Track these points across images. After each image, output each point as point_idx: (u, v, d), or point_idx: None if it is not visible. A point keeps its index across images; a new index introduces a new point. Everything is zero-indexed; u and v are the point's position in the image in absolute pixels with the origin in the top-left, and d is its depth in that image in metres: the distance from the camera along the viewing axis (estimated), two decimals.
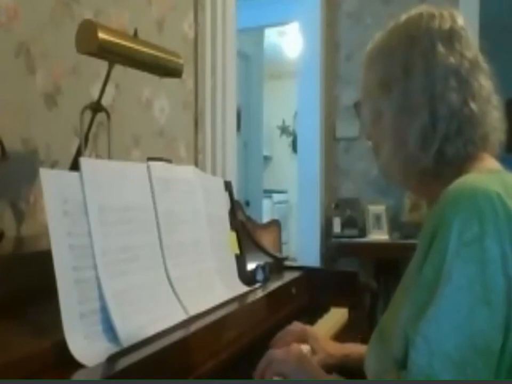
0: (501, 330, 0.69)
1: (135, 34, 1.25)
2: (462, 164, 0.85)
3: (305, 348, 1.10)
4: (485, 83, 0.86)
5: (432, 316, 0.71)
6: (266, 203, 5.95)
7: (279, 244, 2.04)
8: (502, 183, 0.76)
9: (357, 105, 1.01)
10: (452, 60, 0.84)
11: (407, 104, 0.85)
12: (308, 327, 1.18)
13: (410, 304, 0.77)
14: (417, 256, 0.79)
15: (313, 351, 1.11)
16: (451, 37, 0.86)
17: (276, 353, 0.98)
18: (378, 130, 0.92)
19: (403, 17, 0.91)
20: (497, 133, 0.87)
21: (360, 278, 1.64)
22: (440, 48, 0.84)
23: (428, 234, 0.76)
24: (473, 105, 0.83)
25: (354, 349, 1.13)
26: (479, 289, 0.69)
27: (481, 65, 0.87)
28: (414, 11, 0.90)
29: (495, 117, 0.87)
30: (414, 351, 0.72)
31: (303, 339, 1.12)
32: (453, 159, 0.84)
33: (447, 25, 0.86)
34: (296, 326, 1.17)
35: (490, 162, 0.86)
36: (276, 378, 0.95)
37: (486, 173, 0.81)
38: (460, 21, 0.88)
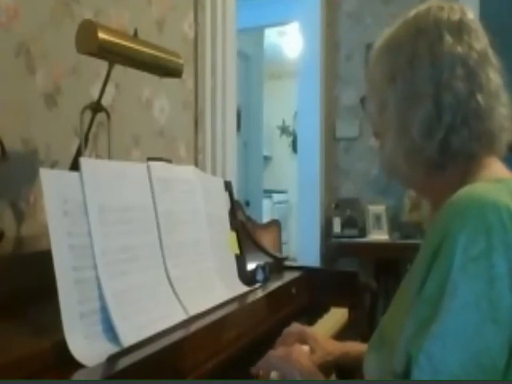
0: (506, 349, 0.67)
1: (135, 34, 1.25)
2: (467, 163, 0.83)
3: (305, 348, 1.11)
4: (494, 77, 0.84)
5: (437, 333, 0.69)
6: (266, 203, 5.94)
7: (279, 244, 2.04)
8: (510, 193, 0.74)
9: (363, 101, 1.00)
10: (459, 49, 0.82)
11: (411, 93, 0.84)
12: (306, 327, 1.18)
13: (412, 319, 0.75)
14: (420, 266, 0.77)
15: (312, 350, 1.11)
16: (460, 28, 0.84)
17: (275, 351, 0.99)
18: (382, 122, 0.91)
19: (412, 12, 0.90)
20: (505, 133, 0.85)
21: (360, 278, 1.64)
22: (448, 38, 0.83)
23: (432, 246, 0.73)
24: (480, 98, 0.81)
25: (353, 347, 1.13)
26: (486, 306, 0.67)
27: (490, 59, 0.85)
28: (423, 6, 0.89)
29: (502, 114, 0.84)
30: (417, 369, 0.70)
31: (302, 339, 1.12)
32: (458, 152, 0.82)
33: (456, 16, 0.85)
34: (294, 327, 1.16)
35: (497, 169, 0.84)
36: (273, 373, 0.96)
37: (494, 182, 0.79)
38: (470, 14, 0.87)
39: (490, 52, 0.86)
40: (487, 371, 0.67)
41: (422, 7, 0.89)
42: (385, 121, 0.89)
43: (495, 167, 0.84)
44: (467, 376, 0.66)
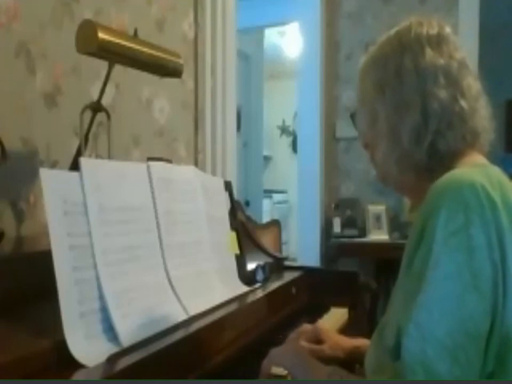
0: (488, 316, 0.72)
1: (135, 34, 1.25)
2: (451, 160, 0.88)
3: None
4: (473, 83, 0.91)
5: (423, 303, 0.74)
6: (266, 203, 5.94)
7: (279, 244, 2.03)
8: (486, 175, 0.80)
9: (353, 116, 1.05)
10: (441, 60, 0.89)
11: (401, 103, 0.90)
12: (318, 325, 1.21)
13: (402, 295, 0.81)
14: (408, 251, 0.82)
15: (326, 345, 1.14)
16: (439, 41, 0.91)
17: (274, 349, 1.00)
18: (374, 133, 0.96)
19: (394, 28, 0.97)
20: (486, 132, 0.92)
21: (360, 278, 1.64)
22: (429, 51, 0.90)
23: (418, 229, 0.79)
24: (462, 102, 0.88)
25: (364, 342, 1.16)
26: (467, 275, 0.72)
27: (469, 67, 0.92)
28: (403, 22, 0.96)
29: (483, 115, 0.91)
30: (407, 338, 0.74)
31: (316, 336, 1.15)
32: (445, 154, 0.88)
33: (434, 31, 0.92)
34: (306, 327, 1.19)
35: (476, 158, 0.90)
36: (275, 369, 0.97)
37: (471, 167, 0.86)
38: (447, 28, 0.94)
39: (469, 61, 0.93)
40: (473, 337, 0.71)
41: (402, 24, 0.96)
42: (377, 132, 0.95)
43: (474, 156, 0.90)
44: (455, 343, 0.71)
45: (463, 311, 0.72)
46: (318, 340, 1.14)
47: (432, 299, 0.73)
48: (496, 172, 0.85)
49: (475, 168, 0.84)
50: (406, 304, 0.77)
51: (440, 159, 0.88)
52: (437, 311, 0.72)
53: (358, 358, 1.13)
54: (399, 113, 0.90)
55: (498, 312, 0.73)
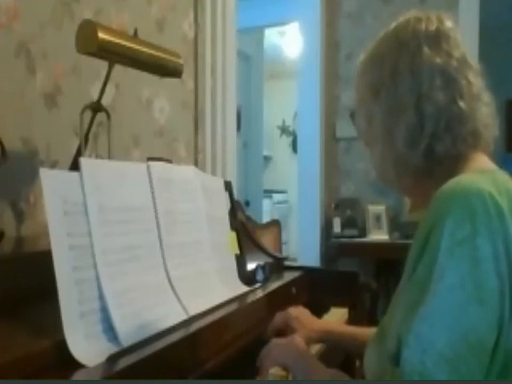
0: (494, 328, 0.70)
1: (135, 34, 1.25)
2: (454, 163, 0.86)
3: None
4: (474, 80, 0.88)
5: (425, 314, 0.72)
6: (266, 203, 5.94)
7: (279, 244, 2.03)
8: (494, 182, 0.78)
9: (352, 115, 1.03)
10: (438, 60, 0.86)
11: (395, 106, 0.87)
12: (288, 310, 1.22)
13: (404, 302, 0.78)
14: (411, 257, 0.80)
15: (296, 329, 1.15)
16: (438, 38, 0.88)
17: (275, 344, 0.99)
18: (370, 134, 0.95)
19: (392, 24, 0.94)
20: (489, 130, 0.89)
21: (360, 278, 1.64)
22: (426, 50, 0.87)
23: (423, 235, 0.77)
24: (461, 103, 0.85)
25: (335, 327, 1.20)
26: (471, 287, 0.70)
27: (469, 63, 0.89)
28: (402, 17, 0.93)
29: (485, 113, 0.88)
30: (407, 348, 0.73)
31: (286, 322, 1.18)
32: (443, 156, 0.86)
33: (433, 27, 0.89)
34: (278, 315, 1.21)
35: (482, 162, 0.88)
36: (275, 368, 0.96)
37: (478, 173, 0.83)
38: (448, 23, 0.91)
39: (469, 56, 0.90)
40: (475, 350, 0.69)
41: (401, 20, 0.93)
42: (373, 133, 0.93)
43: (479, 160, 0.87)
44: (455, 354, 0.69)
45: (465, 322, 0.69)
46: (288, 325, 1.17)
47: (434, 311, 0.71)
48: (504, 178, 0.83)
49: (482, 174, 0.82)
50: (408, 314, 0.75)
51: (438, 163, 0.86)
52: (438, 322, 0.71)
53: (330, 341, 1.19)
54: (394, 116, 0.87)
55: (505, 325, 0.70)
